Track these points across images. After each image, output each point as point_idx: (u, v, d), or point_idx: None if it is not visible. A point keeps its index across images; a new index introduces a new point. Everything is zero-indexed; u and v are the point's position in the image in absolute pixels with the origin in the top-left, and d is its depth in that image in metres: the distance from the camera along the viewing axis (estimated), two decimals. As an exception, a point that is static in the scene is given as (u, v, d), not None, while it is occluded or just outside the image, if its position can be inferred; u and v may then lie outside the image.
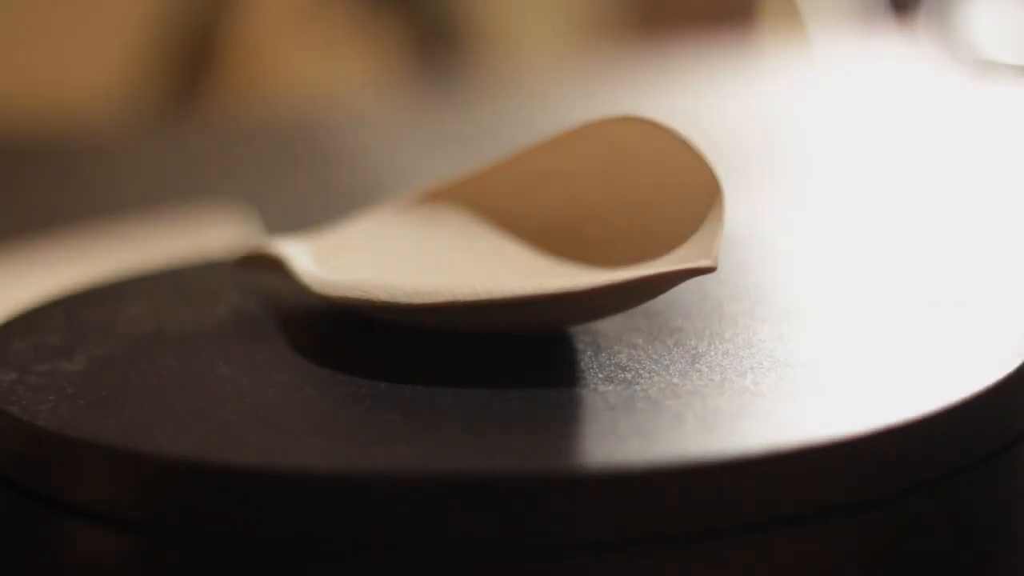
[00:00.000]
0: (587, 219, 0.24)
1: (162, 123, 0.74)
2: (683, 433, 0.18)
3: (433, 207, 0.25)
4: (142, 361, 0.22)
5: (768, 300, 0.24)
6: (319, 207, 0.49)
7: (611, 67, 0.82)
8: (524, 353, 0.22)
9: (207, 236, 0.43)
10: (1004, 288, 0.24)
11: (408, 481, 0.17)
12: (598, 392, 0.20)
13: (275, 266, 0.25)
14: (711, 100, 0.67)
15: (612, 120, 0.23)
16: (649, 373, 0.21)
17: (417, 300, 0.21)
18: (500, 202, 0.24)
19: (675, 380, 0.20)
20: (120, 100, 0.98)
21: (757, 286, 0.24)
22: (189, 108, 0.97)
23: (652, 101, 0.67)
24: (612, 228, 0.23)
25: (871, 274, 0.25)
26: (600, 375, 0.21)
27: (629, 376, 0.20)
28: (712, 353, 0.21)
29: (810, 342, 0.22)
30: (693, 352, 0.21)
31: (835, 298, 0.24)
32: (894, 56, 0.78)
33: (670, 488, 0.17)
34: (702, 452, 0.18)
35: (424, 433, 0.19)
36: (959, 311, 0.23)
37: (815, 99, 0.67)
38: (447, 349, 0.22)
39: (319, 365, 0.21)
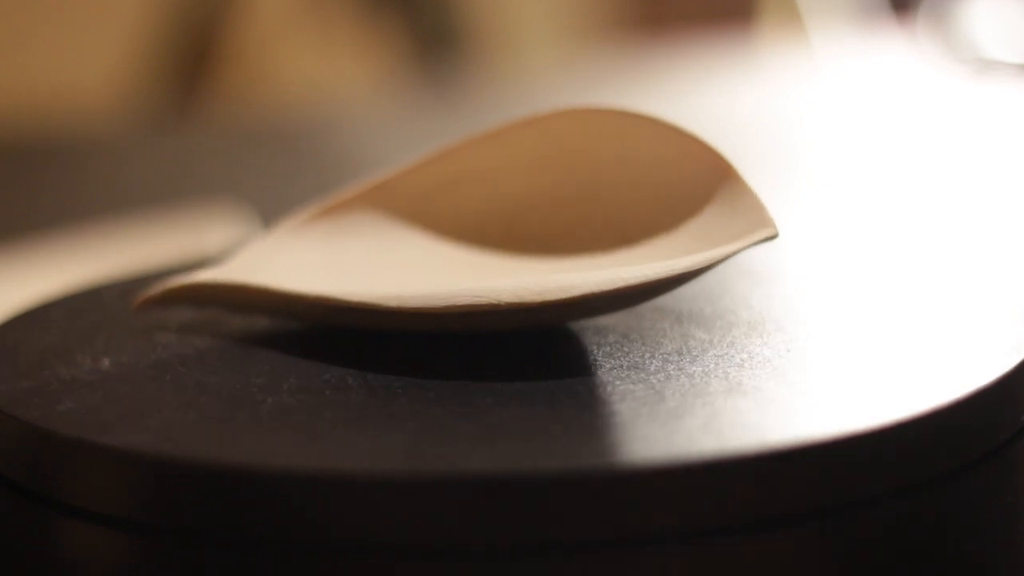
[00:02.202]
0: (522, 213, 0.23)
1: (162, 123, 0.74)
2: (682, 433, 0.18)
3: (348, 214, 0.23)
4: (141, 362, 0.22)
5: (765, 299, 0.24)
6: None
7: (611, 67, 0.82)
8: (523, 350, 0.22)
9: (207, 236, 0.43)
10: (1003, 287, 0.24)
11: (408, 481, 0.17)
12: (597, 391, 0.20)
13: (203, 296, 0.23)
14: (711, 99, 0.67)
15: (556, 113, 0.23)
16: (646, 372, 0.21)
17: (551, 297, 0.20)
18: (428, 201, 0.24)
19: (673, 379, 0.20)
20: (120, 100, 0.98)
21: (754, 285, 0.24)
22: (189, 108, 0.97)
23: (652, 100, 0.67)
24: (559, 218, 0.23)
25: (870, 273, 0.25)
26: (598, 374, 0.21)
27: (627, 375, 0.20)
28: (709, 351, 0.21)
29: (808, 341, 0.22)
30: (690, 351, 0.21)
31: (834, 297, 0.24)
32: (894, 56, 0.78)
33: (670, 488, 0.17)
34: (701, 452, 0.18)
35: (424, 433, 0.19)
36: (958, 310, 0.23)
37: (815, 98, 0.67)
38: (445, 348, 0.22)
39: (318, 367, 0.21)
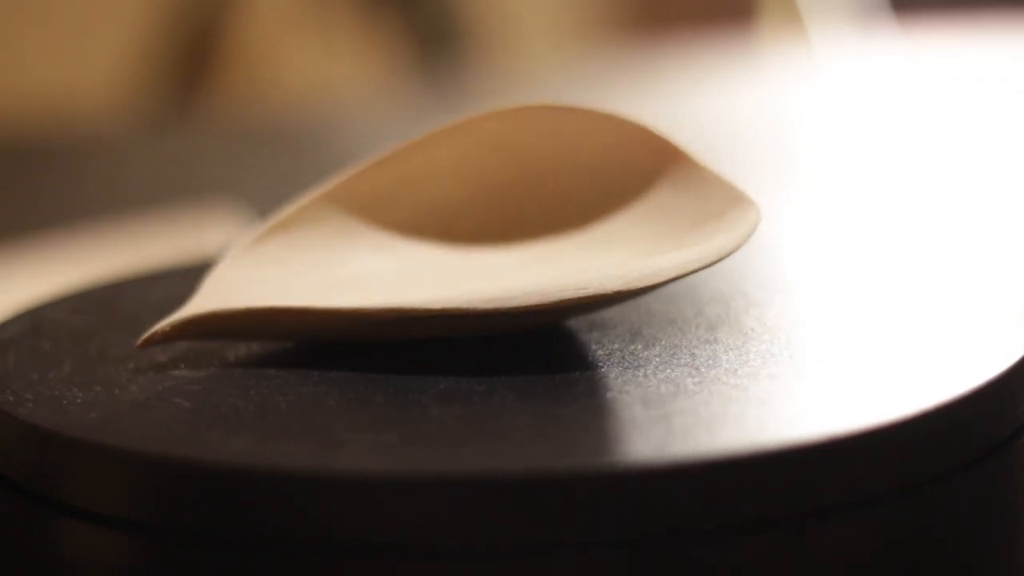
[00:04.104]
0: (464, 212, 0.23)
1: (162, 123, 0.74)
2: (682, 433, 0.18)
3: (303, 227, 0.23)
4: (142, 362, 0.22)
5: (764, 298, 0.24)
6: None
7: (610, 66, 0.82)
8: (524, 350, 0.22)
9: (207, 236, 0.43)
10: (1003, 287, 0.24)
11: (408, 481, 0.17)
12: (598, 391, 0.20)
13: (216, 328, 0.22)
14: (711, 99, 0.66)
15: (493, 113, 0.23)
16: (646, 371, 0.21)
17: (653, 280, 0.21)
18: (383, 203, 0.23)
19: (672, 379, 0.20)
20: (120, 100, 0.98)
21: (753, 284, 0.24)
22: (189, 108, 0.97)
23: (652, 100, 0.66)
24: (505, 216, 0.23)
25: (870, 272, 0.25)
26: (598, 372, 0.21)
27: (627, 374, 0.20)
28: (707, 351, 0.21)
29: (808, 340, 0.22)
30: (688, 350, 0.21)
31: (832, 296, 0.24)
32: (894, 56, 0.78)
33: (669, 488, 0.17)
34: (701, 452, 0.18)
35: (424, 433, 0.19)
36: (958, 309, 0.23)
37: (814, 99, 0.67)
38: (444, 349, 0.22)
39: (318, 367, 0.21)
